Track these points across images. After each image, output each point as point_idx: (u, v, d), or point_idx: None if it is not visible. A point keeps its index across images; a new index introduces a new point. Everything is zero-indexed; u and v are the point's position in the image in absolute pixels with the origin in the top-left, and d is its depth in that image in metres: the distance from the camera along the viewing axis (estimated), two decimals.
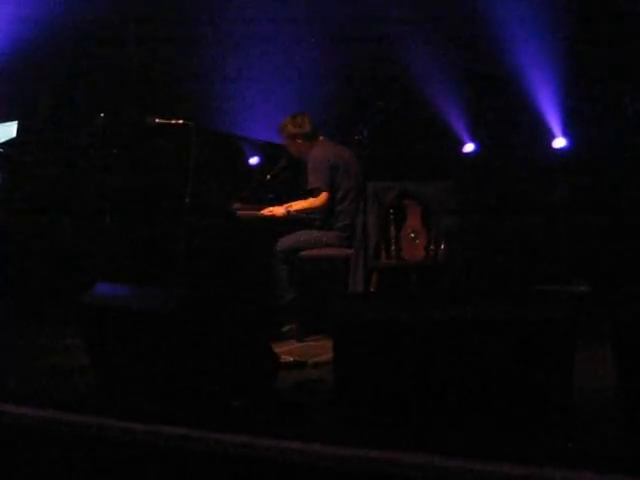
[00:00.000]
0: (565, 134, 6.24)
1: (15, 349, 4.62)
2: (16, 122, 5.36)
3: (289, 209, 5.21)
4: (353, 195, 5.21)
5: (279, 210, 5.22)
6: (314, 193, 5.18)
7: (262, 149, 6.43)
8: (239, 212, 5.26)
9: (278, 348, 4.24)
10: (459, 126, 6.57)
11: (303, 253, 5.11)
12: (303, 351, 4.57)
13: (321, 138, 5.38)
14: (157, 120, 5.05)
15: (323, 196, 5.17)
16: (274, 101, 6.32)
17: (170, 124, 5.02)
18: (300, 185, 5.35)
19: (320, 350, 4.44)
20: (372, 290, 4.77)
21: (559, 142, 6.26)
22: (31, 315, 5.43)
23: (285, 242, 5.14)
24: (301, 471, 2.52)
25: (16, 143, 5.39)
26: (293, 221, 5.26)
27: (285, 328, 5.07)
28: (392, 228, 5.09)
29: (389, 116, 5.19)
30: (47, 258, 5.94)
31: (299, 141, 5.35)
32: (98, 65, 6.71)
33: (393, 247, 5.07)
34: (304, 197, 5.25)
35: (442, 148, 6.58)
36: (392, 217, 5.07)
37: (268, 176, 5.77)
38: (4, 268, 5.09)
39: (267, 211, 5.24)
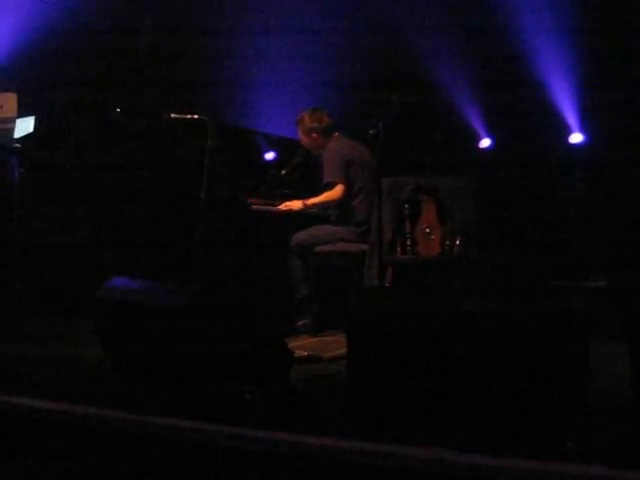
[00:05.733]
0: (582, 129, 6.21)
1: (30, 343, 4.64)
2: (33, 117, 5.37)
3: (306, 203, 5.22)
4: (368, 190, 5.20)
5: (296, 204, 5.23)
6: (330, 186, 5.19)
7: (278, 144, 6.44)
8: (254, 206, 5.27)
9: (292, 343, 4.25)
10: (475, 121, 6.54)
11: (318, 248, 5.11)
12: (317, 346, 4.57)
13: (337, 134, 5.38)
14: (173, 115, 5.06)
15: (339, 188, 5.18)
16: (290, 96, 6.32)
17: (186, 119, 5.03)
18: (315, 181, 5.35)
19: (334, 345, 4.43)
20: (387, 285, 4.76)
21: (576, 137, 6.23)
22: (46, 308, 5.46)
23: (300, 237, 5.15)
24: (315, 465, 2.52)
25: (33, 138, 5.40)
26: (308, 216, 5.26)
27: (299, 323, 5.08)
28: (407, 223, 5.06)
29: (404, 111, 5.16)
30: (63, 251, 5.97)
31: (314, 135, 5.35)
32: (114, 59, 6.72)
33: (408, 242, 5.05)
34: (320, 192, 5.26)
35: (458, 143, 6.56)
36: (407, 212, 5.05)
37: (283, 171, 5.77)
38: (21, 260, 5.12)
39: (284, 205, 5.25)
